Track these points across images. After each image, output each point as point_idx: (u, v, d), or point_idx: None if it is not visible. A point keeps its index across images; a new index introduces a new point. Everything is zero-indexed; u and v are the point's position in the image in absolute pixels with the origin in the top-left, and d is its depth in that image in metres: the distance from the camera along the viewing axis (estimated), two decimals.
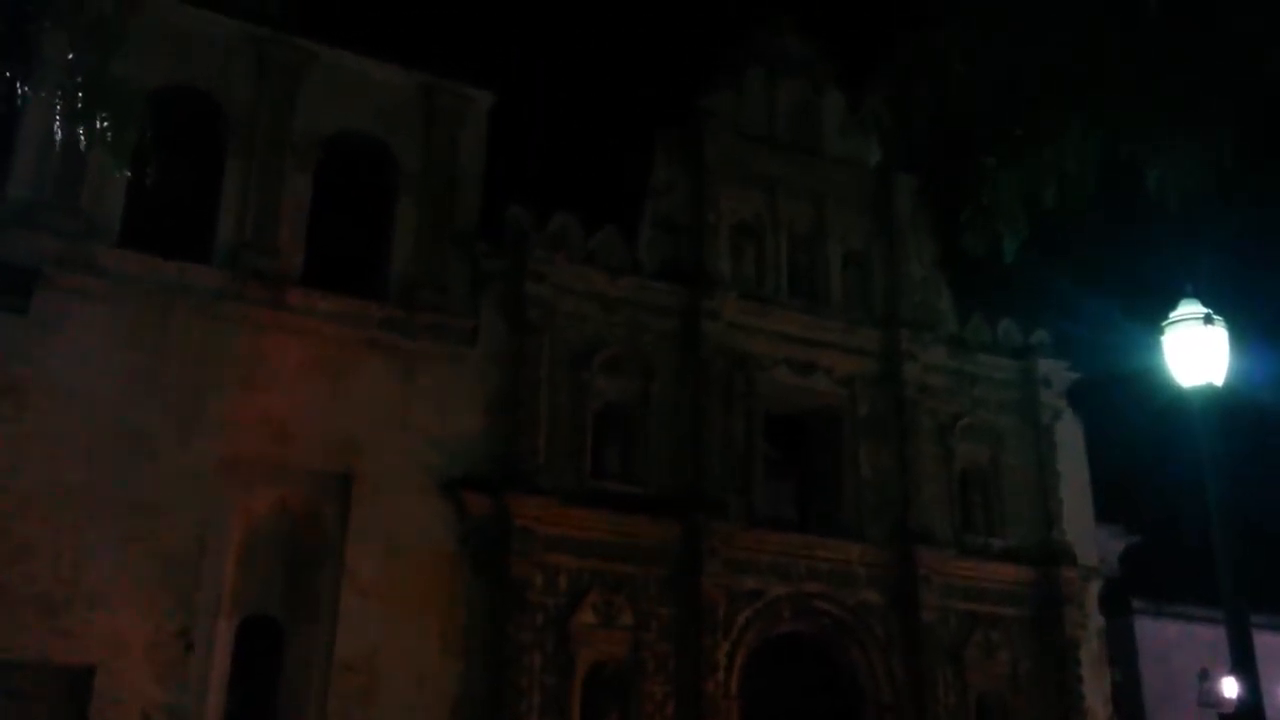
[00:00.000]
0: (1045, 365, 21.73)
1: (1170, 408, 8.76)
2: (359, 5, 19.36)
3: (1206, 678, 25.45)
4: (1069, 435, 21.84)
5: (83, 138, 6.38)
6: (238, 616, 15.35)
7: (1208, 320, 8.48)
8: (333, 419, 16.25)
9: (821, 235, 20.96)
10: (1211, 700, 25.27)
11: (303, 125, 17.48)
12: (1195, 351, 8.44)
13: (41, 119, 14.41)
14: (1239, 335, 8.63)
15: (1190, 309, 8.64)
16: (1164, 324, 8.69)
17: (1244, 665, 7.75)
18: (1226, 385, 8.38)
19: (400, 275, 17.63)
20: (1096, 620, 21.02)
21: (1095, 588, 21.22)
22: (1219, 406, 8.22)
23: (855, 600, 19.04)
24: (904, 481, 19.98)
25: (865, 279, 21.24)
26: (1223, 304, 8.66)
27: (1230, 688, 20.55)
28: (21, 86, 6.70)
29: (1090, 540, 21.44)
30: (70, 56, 6.28)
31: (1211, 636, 21.74)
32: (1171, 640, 26.59)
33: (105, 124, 6.19)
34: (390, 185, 18.22)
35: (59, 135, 6.75)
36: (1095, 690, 20.30)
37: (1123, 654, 24.46)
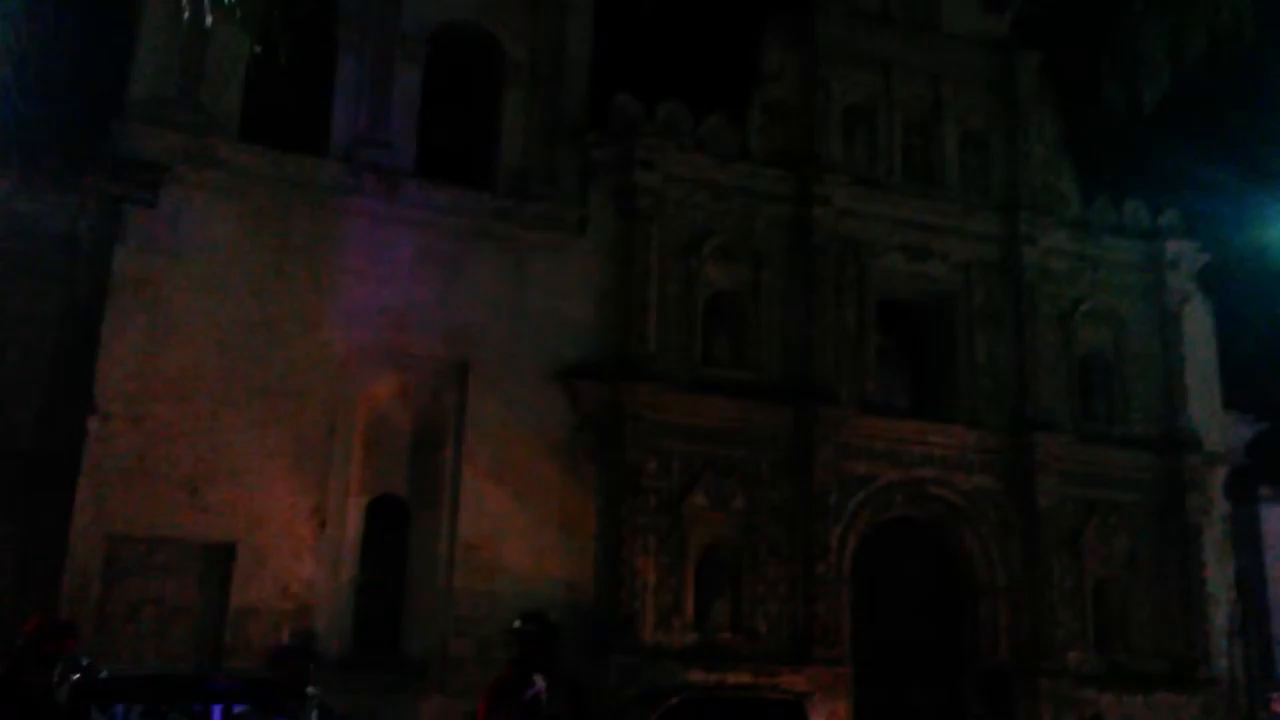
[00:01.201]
0: (1174, 247, 20.92)
1: None
2: None
3: None
4: (1197, 319, 21.10)
5: (209, 15, 6.51)
6: (367, 496, 16.07)
7: None
8: (448, 309, 16.62)
9: (938, 116, 20.32)
10: None
11: (411, 17, 17.53)
12: None
13: (163, 10, 14.79)
14: None
15: None
16: None
17: None
18: None
19: (510, 166, 17.75)
20: (1221, 507, 20.54)
21: (1220, 474, 20.69)
22: None
23: (969, 486, 18.94)
24: (1021, 368, 19.63)
25: (984, 161, 20.59)
26: None
27: None
28: None
29: (1216, 426, 20.82)
30: None
31: None
32: None
33: None
34: (498, 76, 18.23)
35: (186, 13, 6.89)
36: (1218, 577, 19.96)
37: (1247, 542, 23.90)
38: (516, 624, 5.78)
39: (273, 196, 15.93)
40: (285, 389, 15.32)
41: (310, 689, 5.00)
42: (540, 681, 5.56)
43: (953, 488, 18.85)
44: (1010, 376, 19.63)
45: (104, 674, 6.11)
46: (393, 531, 16.28)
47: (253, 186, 15.81)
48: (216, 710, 6.52)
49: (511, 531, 16.21)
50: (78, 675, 5.03)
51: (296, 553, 15.08)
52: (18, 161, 13.86)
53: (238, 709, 5.71)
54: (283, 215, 15.95)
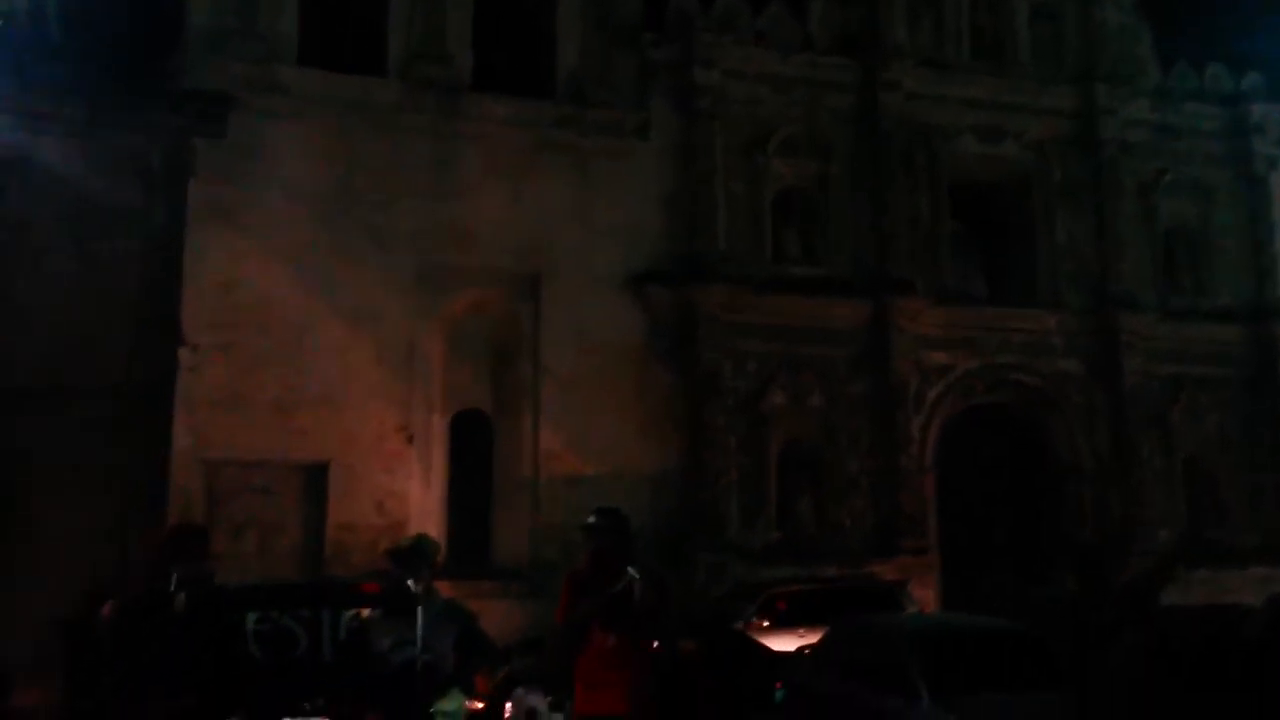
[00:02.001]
0: (1258, 111, 20.09)
1: None
2: None
3: None
4: None
5: None
6: (450, 411, 16.41)
7: None
8: (516, 222, 16.64)
9: None
10: None
11: None
12: None
13: None
14: None
15: None
16: None
17: None
18: None
19: (568, 74, 17.55)
20: None
21: None
22: None
23: (1052, 370, 18.68)
24: (1102, 246, 19.16)
25: (1057, 32, 19.82)
26: None
27: None
28: None
29: None
30: None
31: None
32: None
33: None
34: None
35: None
36: None
37: None
38: (590, 519, 5.87)
39: (336, 120, 15.97)
40: (363, 310, 15.55)
41: (415, 587, 5.15)
42: (634, 572, 5.65)
43: (1035, 373, 18.61)
44: (1091, 256, 19.17)
45: (217, 585, 6.33)
46: (477, 444, 16.61)
47: (315, 111, 15.86)
48: (326, 615, 6.79)
49: (592, 439, 16.41)
50: (192, 586, 5.24)
51: (387, 469, 15.47)
52: (86, 99, 14.07)
53: (348, 614, 5.89)
54: (347, 138, 16.01)
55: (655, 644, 5.85)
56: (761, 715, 7.33)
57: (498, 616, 14.98)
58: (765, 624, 12.72)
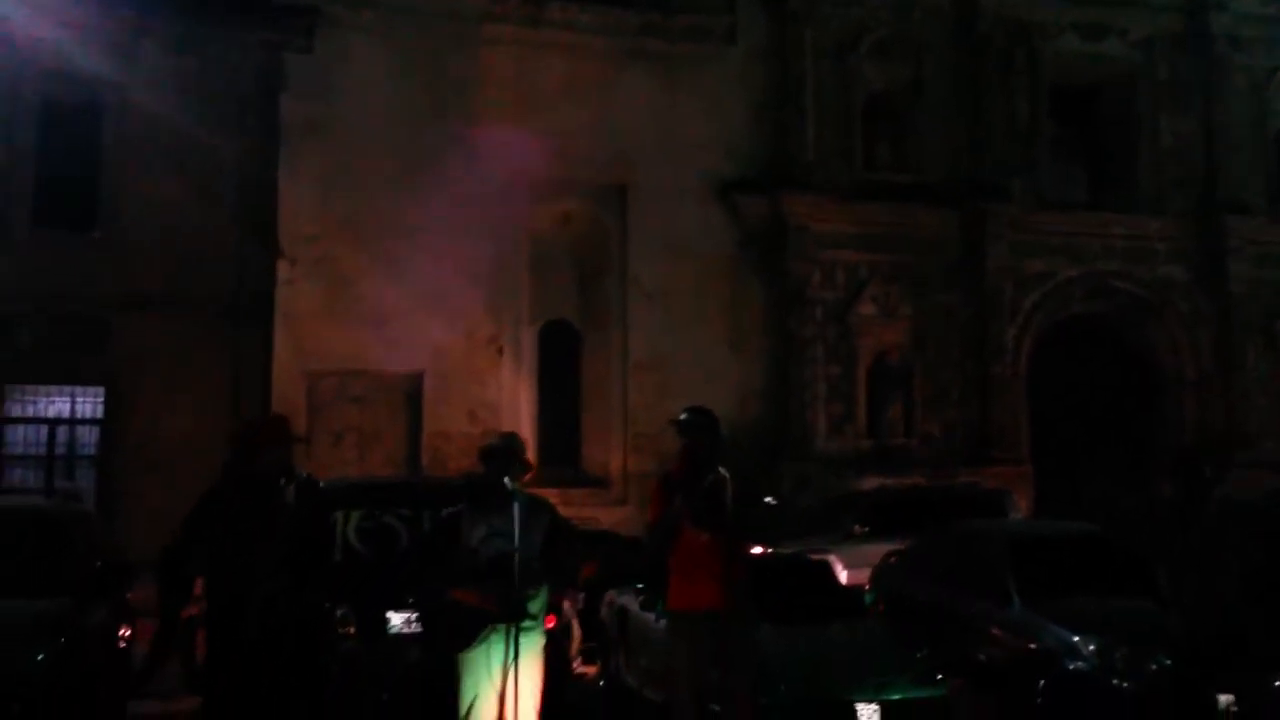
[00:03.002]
0: None
1: None
2: None
3: None
4: None
5: None
6: (539, 322, 16.62)
7: None
8: (602, 132, 16.54)
9: None
10: None
11: None
12: None
13: None
14: None
15: None
16: None
17: None
18: None
19: None
20: None
21: None
22: None
23: (1153, 276, 18.13)
24: (1210, 148, 18.36)
25: None
26: None
27: None
28: None
29: None
30: None
31: None
32: None
33: None
34: None
35: None
36: None
37: None
38: (682, 416, 5.90)
39: (423, 32, 15.96)
40: (453, 223, 15.69)
41: (509, 483, 5.27)
42: (724, 472, 5.70)
43: (1136, 280, 18.09)
44: (1198, 158, 18.41)
45: (321, 484, 6.53)
46: (566, 355, 16.80)
47: (403, 23, 15.86)
48: (426, 514, 7.02)
49: (679, 349, 16.47)
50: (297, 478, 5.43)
51: (478, 379, 15.77)
52: (179, 17, 14.26)
53: (446, 511, 6.03)
54: (433, 50, 16.01)
55: (745, 542, 5.89)
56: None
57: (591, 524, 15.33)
58: (865, 530, 12.52)
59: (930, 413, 17.30)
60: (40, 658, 6.23)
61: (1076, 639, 7.20)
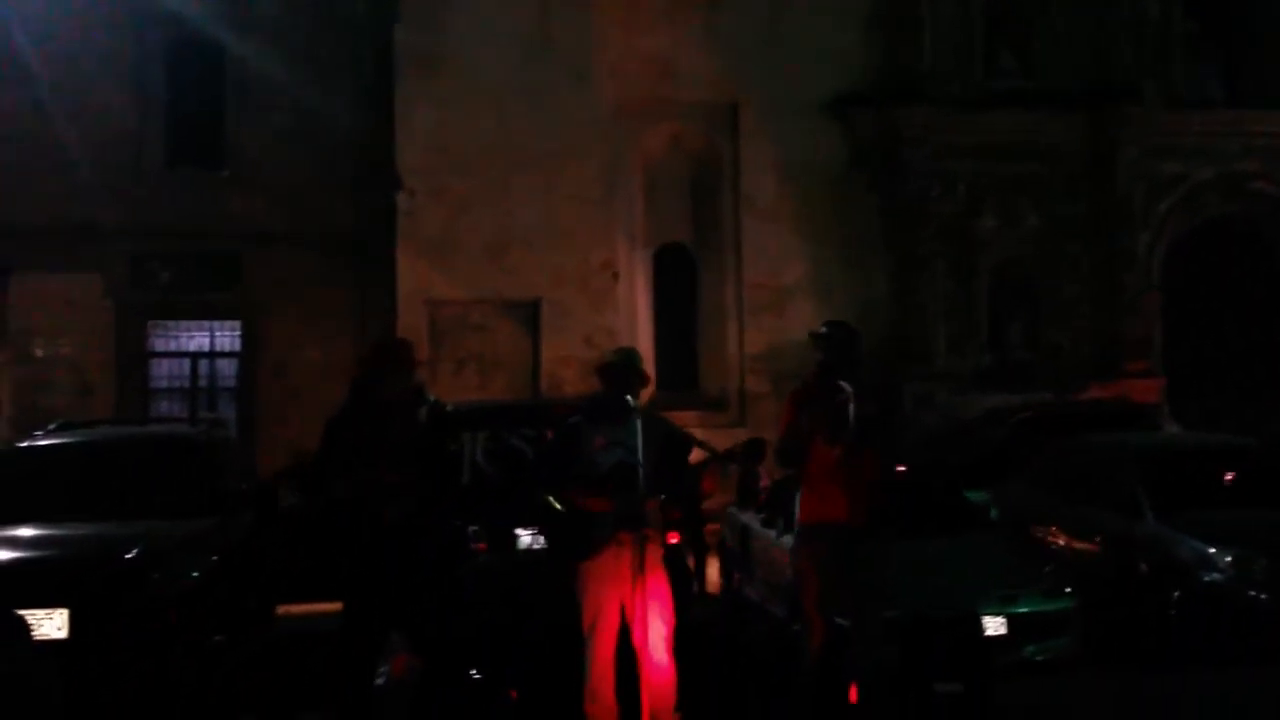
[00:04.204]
0: None
1: None
2: None
3: None
4: None
5: None
6: (653, 246, 16.62)
7: None
8: (711, 50, 16.28)
9: None
10: None
11: None
12: None
13: None
14: None
15: None
16: None
17: None
18: None
19: None
20: None
21: None
22: None
23: None
24: None
25: None
26: None
27: None
28: None
29: None
30: None
31: None
32: None
33: None
34: None
35: None
36: None
37: None
38: (821, 329, 5.84)
39: None
40: (565, 149, 15.73)
41: (631, 400, 5.33)
42: (848, 388, 5.65)
43: (1278, 180, 17.11)
44: None
45: (449, 408, 6.74)
46: (681, 278, 16.82)
47: None
48: (548, 434, 7.18)
49: (796, 268, 16.32)
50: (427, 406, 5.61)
51: (595, 305, 15.90)
52: None
53: (566, 421, 6.05)
54: None
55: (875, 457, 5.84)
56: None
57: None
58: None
59: (1056, 327, 16.81)
60: (195, 574, 6.66)
61: (1212, 551, 7.03)
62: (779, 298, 16.28)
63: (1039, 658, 6.52)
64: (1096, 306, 16.75)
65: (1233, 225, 17.45)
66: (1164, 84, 16.92)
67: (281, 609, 8.42)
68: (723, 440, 13.80)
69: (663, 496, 5.37)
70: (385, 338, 6.06)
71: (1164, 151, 16.83)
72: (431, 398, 5.82)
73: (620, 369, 5.45)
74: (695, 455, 5.52)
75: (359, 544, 5.10)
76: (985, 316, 16.76)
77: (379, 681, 5.28)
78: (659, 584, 5.27)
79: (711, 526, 9.93)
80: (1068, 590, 6.85)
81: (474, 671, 5.62)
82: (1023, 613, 6.61)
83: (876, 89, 16.51)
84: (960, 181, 16.72)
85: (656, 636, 5.19)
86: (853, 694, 5.44)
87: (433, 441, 5.30)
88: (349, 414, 5.31)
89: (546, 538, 6.13)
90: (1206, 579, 6.92)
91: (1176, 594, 7.04)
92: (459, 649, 5.42)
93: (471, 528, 6.70)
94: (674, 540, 5.62)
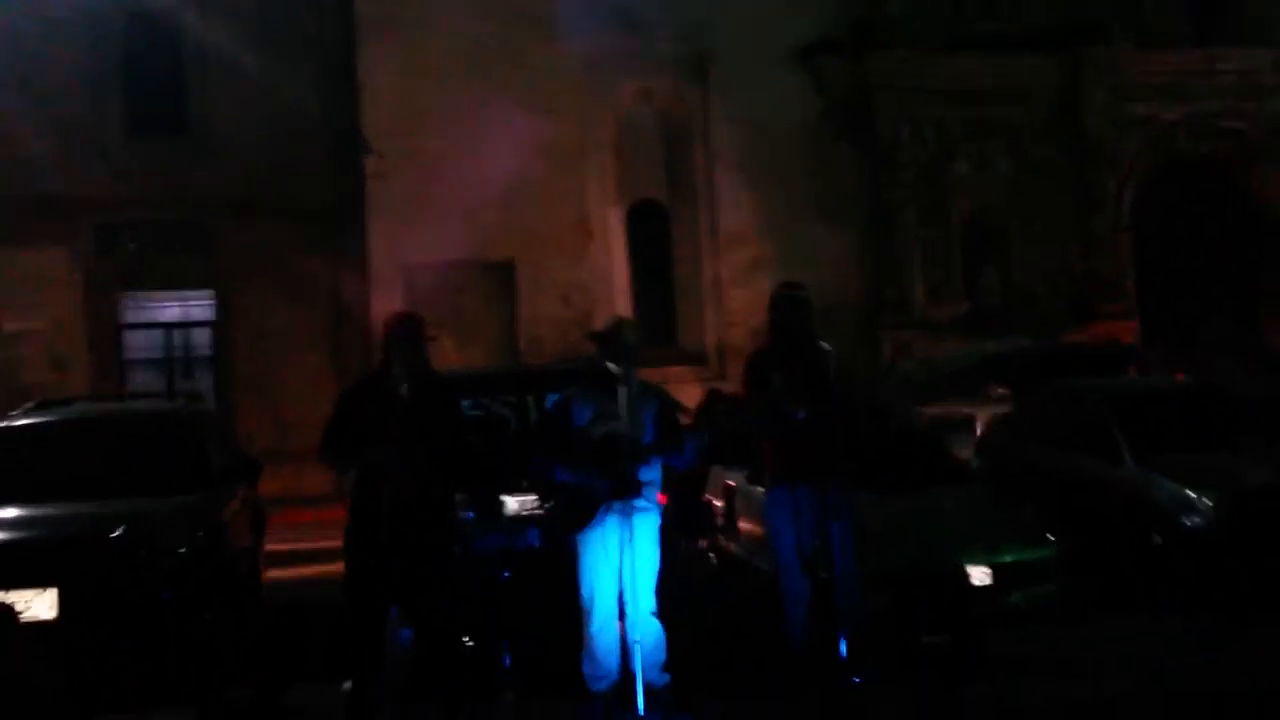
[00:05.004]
0: None
1: None
2: None
3: None
4: None
5: None
6: (625, 203, 16.54)
7: None
8: (681, 2, 16.10)
9: None
10: None
11: None
12: None
13: None
14: None
15: None
16: None
17: None
18: None
19: None
20: None
21: None
22: None
23: (1266, 113, 17.18)
24: None
25: None
26: None
27: None
28: None
29: None
30: None
31: None
32: None
33: None
34: None
35: None
36: None
37: None
38: (772, 293, 5.93)
39: None
40: (534, 107, 15.53)
41: (614, 368, 5.35)
42: (826, 346, 5.73)
43: (1246, 118, 17.18)
44: None
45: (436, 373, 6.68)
46: (655, 233, 16.77)
47: None
48: (531, 399, 7.19)
49: (770, 222, 16.28)
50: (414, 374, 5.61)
51: (571, 263, 15.84)
52: None
53: (551, 397, 6.17)
54: None
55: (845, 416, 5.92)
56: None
57: (687, 399, 15.48)
58: (1005, 391, 12.11)
59: (1029, 272, 16.90)
60: (183, 550, 6.65)
61: (1191, 494, 7.13)
62: (754, 250, 16.26)
63: (1024, 605, 6.63)
64: (1069, 250, 16.84)
65: (1202, 165, 17.52)
66: (1133, 24, 16.90)
67: (268, 575, 8.46)
68: (702, 395, 13.83)
69: (654, 463, 5.44)
70: (397, 311, 6.09)
71: (1132, 92, 16.86)
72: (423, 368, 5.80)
73: (610, 337, 5.49)
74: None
75: (368, 519, 5.12)
76: (960, 263, 16.81)
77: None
78: (647, 548, 5.35)
79: None
80: (1050, 538, 6.95)
81: (467, 639, 5.67)
82: (1007, 562, 6.71)
83: (846, 36, 16.42)
84: (931, 127, 16.72)
85: (644, 597, 5.30)
86: (841, 647, 5.53)
87: (444, 418, 5.34)
88: (363, 387, 5.37)
89: (542, 508, 6.20)
90: (1187, 523, 7.03)
91: (1157, 538, 7.15)
92: (453, 618, 5.47)
93: (457, 495, 6.71)
94: (663, 501, 5.67)
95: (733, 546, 8.60)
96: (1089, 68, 16.61)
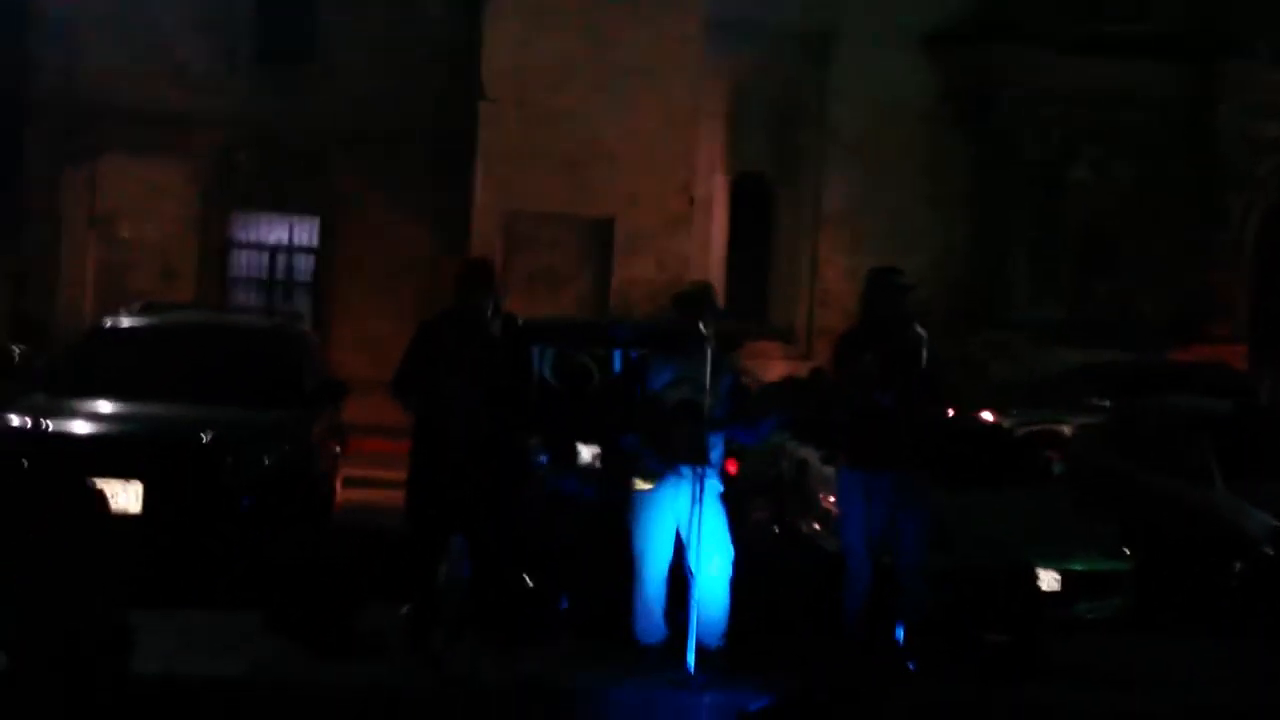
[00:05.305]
0: None
1: None
2: None
3: None
4: None
5: None
6: (732, 173, 16.49)
7: None
8: None
9: None
10: None
11: None
12: None
13: None
14: None
15: None
16: None
17: None
18: None
19: None
20: None
21: None
22: None
23: None
24: None
25: None
26: None
27: None
28: None
29: None
30: None
31: None
32: None
33: None
34: None
35: None
36: None
37: None
38: (869, 274, 5.86)
39: None
40: (649, 70, 15.49)
41: (705, 329, 5.36)
42: (921, 331, 5.64)
43: None
44: None
45: (520, 321, 6.80)
46: (758, 206, 16.67)
47: None
48: (617, 355, 7.23)
49: (876, 205, 16.08)
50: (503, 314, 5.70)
51: (670, 228, 15.80)
52: None
53: (635, 354, 6.20)
54: None
55: (933, 404, 5.84)
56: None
57: (773, 377, 15.43)
58: (1104, 403, 11.76)
59: (1142, 284, 16.41)
60: (268, 462, 6.86)
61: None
62: (855, 233, 16.08)
63: (1090, 616, 6.51)
64: (1186, 268, 16.31)
65: None
66: (1274, 37, 16.19)
67: (342, 497, 8.66)
68: (790, 371, 13.76)
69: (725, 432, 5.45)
70: (469, 258, 6.23)
71: (1269, 111, 16.20)
72: (504, 313, 5.90)
73: (695, 300, 5.49)
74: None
75: (437, 449, 5.23)
76: (1069, 269, 16.40)
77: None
78: (716, 517, 5.36)
79: None
80: (1125, 551, 6.80)
81: (527, 578, 5.76)
82: (1078, 570, 6.59)
83: (974, 25, 16.05)
84: (1054, 128, 16.29)
85: (714, 568, 5.33)
86: (898, 634, 5.49)
87: (510, 359, 5.42)
88: (441, 320, 5.48)
89: (604, 465, 6.26)
90: (1271, 551, 6.83)
91: (1238, 565, 6.96)
92: (515, 556, 5.56)
93: (533, 439, 6.79)
94: (732, 471, 5.68)
95: (800, 523, 8.56)
96: (1225, 82, 16.01)
